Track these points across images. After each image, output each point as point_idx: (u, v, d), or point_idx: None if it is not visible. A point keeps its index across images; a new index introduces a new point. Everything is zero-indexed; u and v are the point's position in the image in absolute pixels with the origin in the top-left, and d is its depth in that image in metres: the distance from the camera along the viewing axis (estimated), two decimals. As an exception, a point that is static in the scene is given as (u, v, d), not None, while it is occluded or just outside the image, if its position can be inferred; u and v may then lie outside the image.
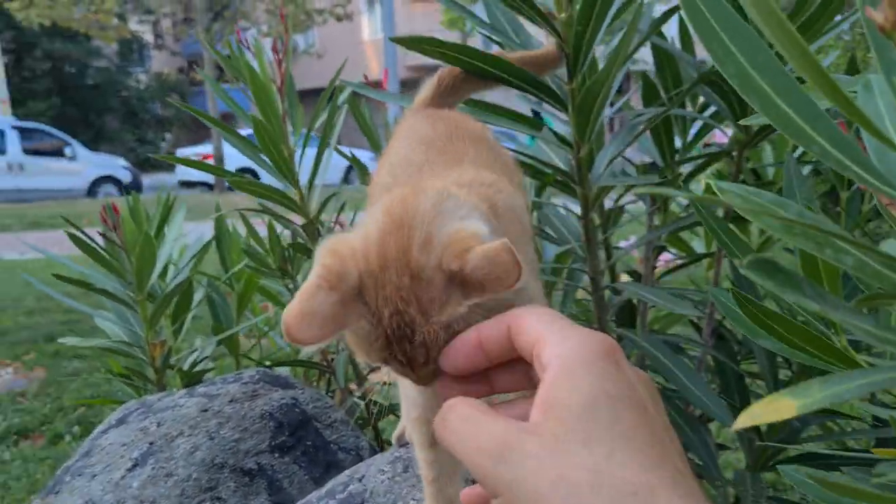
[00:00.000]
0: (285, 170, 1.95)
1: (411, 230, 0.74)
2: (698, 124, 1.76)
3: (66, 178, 19.58)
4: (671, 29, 1.75)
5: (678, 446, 0.59)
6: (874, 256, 0.58)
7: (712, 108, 1.70)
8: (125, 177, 20.61)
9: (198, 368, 2.13)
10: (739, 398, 1.72)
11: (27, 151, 19.22)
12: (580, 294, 1.94)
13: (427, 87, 1.39)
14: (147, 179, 22.79)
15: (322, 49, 25.63)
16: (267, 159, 1.96)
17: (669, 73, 1.70)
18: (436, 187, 0.81)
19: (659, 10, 1.62)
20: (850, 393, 0.53)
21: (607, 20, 1.35)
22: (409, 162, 1.10)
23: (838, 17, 1.33)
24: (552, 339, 0.61)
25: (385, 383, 1.12)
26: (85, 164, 20.09)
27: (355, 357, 0.85)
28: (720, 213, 1.67)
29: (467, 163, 1.04)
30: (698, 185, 2.19)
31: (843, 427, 1.75)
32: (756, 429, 1.68)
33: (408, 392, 1.04)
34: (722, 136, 2.14)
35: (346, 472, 1.26)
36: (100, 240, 1.89)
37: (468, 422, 0.61)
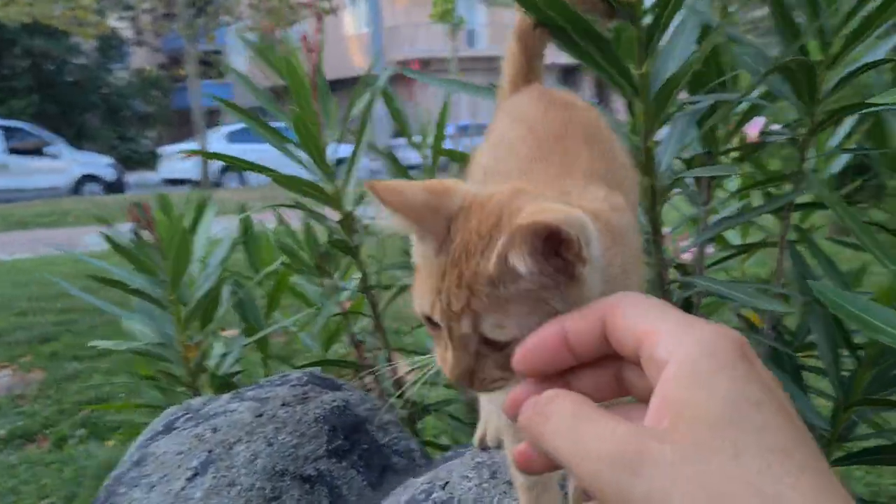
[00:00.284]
0: (321, 164, 1.89)
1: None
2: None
3: (51, 176, 19.31)
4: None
5: (817, 448, 0.52)
6: None
7: (755, 94, 1.65)
8: (109, 175, 20.37)
9: (231, 370, 2.07)
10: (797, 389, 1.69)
11: (10, 151, 18.94)
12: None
13: (511, 53, 1.34)
14: (131, 177, 22.56)
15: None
16: (303, 154, 1.90)
17: (713, 59, 1.66)
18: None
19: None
20: None
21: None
22: (513, 151, 1.05)
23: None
24: (668, 332, 0.53)
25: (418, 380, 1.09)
26: (69, 163, 19.83)
27: (413, 301, 0.85)
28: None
29: (578, 172, 0.98)
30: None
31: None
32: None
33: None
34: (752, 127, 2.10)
35: (423, 478, 1.21)
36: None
37: (580, 421, 0.53)
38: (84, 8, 20.35)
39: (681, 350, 0.51)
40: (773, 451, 0.48)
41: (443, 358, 0.84)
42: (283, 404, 1.51)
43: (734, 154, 1.82)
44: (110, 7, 27.47)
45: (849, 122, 1.91)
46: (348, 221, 1.95)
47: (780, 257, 1.67)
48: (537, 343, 0.61)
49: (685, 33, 1.56)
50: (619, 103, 1.69)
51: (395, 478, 1.50)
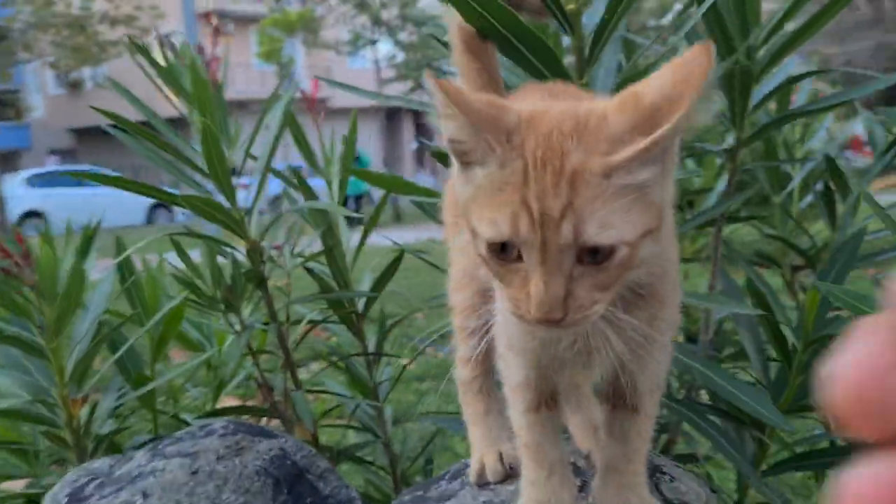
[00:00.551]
0: (227, 187, 1.70)
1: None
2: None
3: None
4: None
5: None
6: None
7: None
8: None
9: (112, 429, 1.79)
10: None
11: None
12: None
13: (470, 69, 1.27)
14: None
15: (107, 82, 24.11)
16: (205, 180, 1.71)
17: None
18: None
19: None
20: None
21: None
22: None
23: None
24: None
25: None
26: None
27: (476, 241, 0.78)
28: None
29: None
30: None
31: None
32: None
33: (507, 355, 0.98)
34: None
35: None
36: None
37: None
38: None
39: None
40: None
41: (522, 297, 0.75)
42: (219, 458, 1.31)
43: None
44: None
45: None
46: (256, 253, 1.77)
47: (715, 269, 1.69)
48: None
49: (614, 47, 1.56)
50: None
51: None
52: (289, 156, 2.22)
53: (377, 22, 22.77)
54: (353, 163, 1.93)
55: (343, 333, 2.03)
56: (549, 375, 0.97)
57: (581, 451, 1.22)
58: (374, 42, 23.25)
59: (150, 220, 21.21)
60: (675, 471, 1.26)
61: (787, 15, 1.49)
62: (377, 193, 9.44)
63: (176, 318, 1.87)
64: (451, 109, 0.76)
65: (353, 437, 2.08)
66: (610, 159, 0.71)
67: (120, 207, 16.40)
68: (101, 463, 1.38)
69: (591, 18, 1.42)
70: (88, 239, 1.66)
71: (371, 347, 1.97)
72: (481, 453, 1.20)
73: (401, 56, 25.47)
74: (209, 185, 1.81)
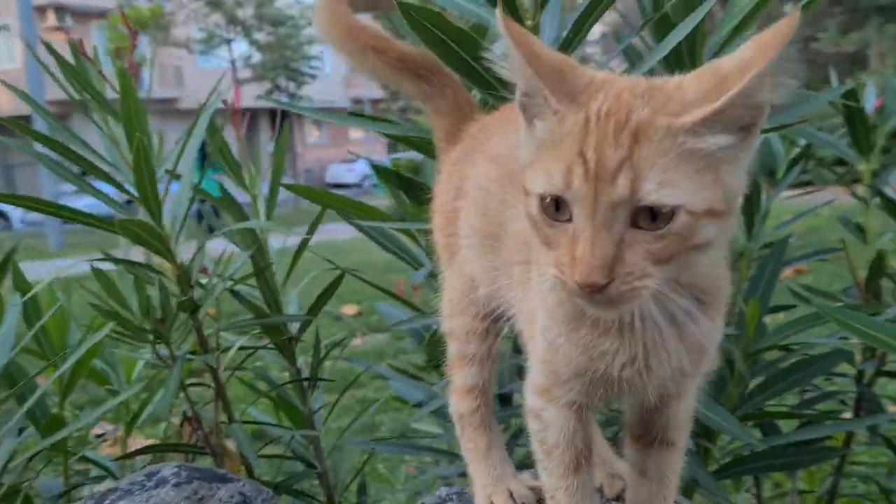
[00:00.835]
0: (156, 208, 1.57)
1: None
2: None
3: None
4: None
5: None
6: None
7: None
8: None
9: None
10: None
11: None
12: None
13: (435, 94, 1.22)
14: None
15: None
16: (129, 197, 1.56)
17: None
18: None
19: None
20: None
21: None
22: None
23: None
24: None
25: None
26: None
27: (529, 198, 0.75)
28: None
29: None
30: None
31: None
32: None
33: (545, 414, 0.94)
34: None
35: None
36: None
37: None
38: None
39: None
40: None
41: (568, 260, 0.70)
42: (182, 511, 1.18)
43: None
44: None
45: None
46: (186, 278, 1.63)
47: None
48: None
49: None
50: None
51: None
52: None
53: (232, 21, 22.09)
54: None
55: (274, 359, 1.92)
56: (590, 420, 0.93)
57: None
58: (229, 41, 22.53)
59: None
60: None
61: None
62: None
63: (90, 353, 1.70)
64: (521, 59, 0.74)
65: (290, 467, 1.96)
66: (678, 119, 0.69)
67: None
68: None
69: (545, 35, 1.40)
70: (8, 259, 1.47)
71: (305, 372, 1.87)
72: (489, 493, 1.13)
73: (257, 56, 24.85)
74: (110, 190, 1.66)
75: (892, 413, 1.94)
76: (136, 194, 1.53)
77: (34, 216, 17.49)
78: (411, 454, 2.53)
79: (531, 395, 0.95)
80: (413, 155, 1.92)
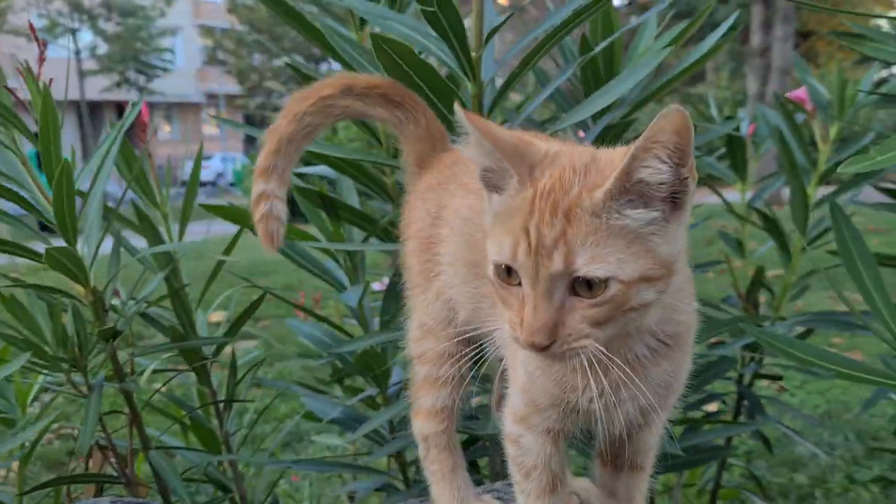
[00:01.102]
0: (73, 232, 1.50)
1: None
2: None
3: None
4: None
5: None
6: None
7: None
8: None
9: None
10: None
11: None
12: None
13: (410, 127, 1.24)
14: None
15: None
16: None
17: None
18: None
19: None
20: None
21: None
22: None
23: None
24: None
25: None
26: None
27: (487, 264, 0.84)
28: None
29: None
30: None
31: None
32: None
33: (523, 440, 1.00)
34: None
35: None
36: None
37: None
38: None
39: None
40: None
41: (516, 319, 0.80)
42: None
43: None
44: None
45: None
46: (99, 303, 1.57)
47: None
48: None
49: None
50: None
51: None
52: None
53: (77, 8, 20.80)
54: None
55: (187, 381, 1.88)
56: (563, 447, 1.00)
57: None
58: (73, 31, 21.19)
59: None
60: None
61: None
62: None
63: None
64: (484, 142, 0.81)
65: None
66: (593, 194, 0.77)
67: None
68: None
69: (487, 67, 1.46)
70: None
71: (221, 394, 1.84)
72: None
73: (104, 47, 23.52)
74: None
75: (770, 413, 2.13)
76: (50, 218, 1.47)
77: None
78: (328, 472, 2.53)
79: (510, 422, 1.01)
80: (322, 170, 1.93)
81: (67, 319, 1.54)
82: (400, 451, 1.87)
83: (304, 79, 1.73)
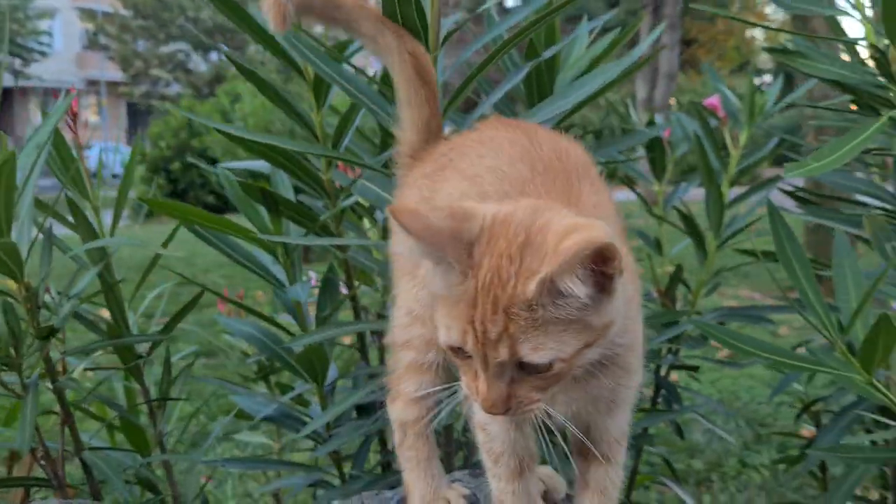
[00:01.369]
0: (7, 224, 1.45)
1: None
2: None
3: None
4: None
5: None
6: None
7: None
8: None
9: None
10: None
11: None
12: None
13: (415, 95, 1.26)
14: None
15: None
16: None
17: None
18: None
19: None
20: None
21: None
22: (504, 175, 1.05)
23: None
24: None
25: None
26: None
27: (438, 335, 0.87)
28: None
29: (581, 202, 1.01)
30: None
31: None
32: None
33: (490, 427, 1.07)
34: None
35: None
36: None
37: None
38: None
39: None
40: None
41: (472, 387, 0.87)
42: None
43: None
44: None
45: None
46: (32, 297, 1.52)
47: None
48: None
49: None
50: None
51: None
52: None
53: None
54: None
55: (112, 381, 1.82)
56: (530, 433, 1.05)
57: None
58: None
59: None
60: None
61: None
62: None
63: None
64: (411, 236, 0.84)
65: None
66: (527, 289, 0.80)
67: None
68: None
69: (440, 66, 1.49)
70: None
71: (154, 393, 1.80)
72: (427, 501, 1.20)
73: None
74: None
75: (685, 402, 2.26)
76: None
77: None
78: (262, 469, 2.49)
79: (479, 412, 1.04)
80: (258, 165, 1.91)
81: (-2, 317, 1.47)
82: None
83: (246, 73, 1.72)
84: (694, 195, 2.29)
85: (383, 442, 1.94)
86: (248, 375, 2.35)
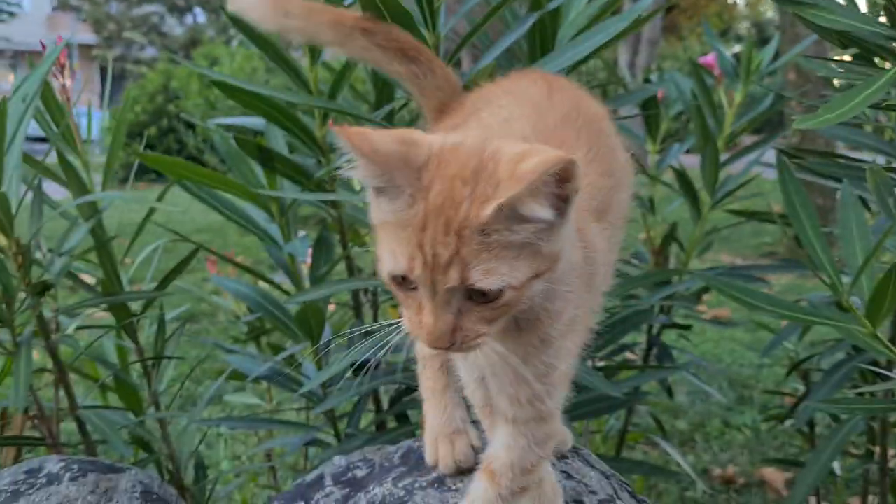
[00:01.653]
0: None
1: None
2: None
3: None
4: None
5: None
6: None
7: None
8: None
9: None
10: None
11: None
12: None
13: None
14: None
15: None
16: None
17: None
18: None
19: None
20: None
21: None
22: (509, 127, 1.03)
23: None
24: None
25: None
26: None
27: (381, 266, 0.85)
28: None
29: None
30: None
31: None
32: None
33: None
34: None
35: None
36: None
37: None
38: None
39: None
40: None
41: (416, 322, 0.83)
42: (93, 508, 1.11)
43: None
44: None
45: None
46: (25, 254, 1.49)
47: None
48: None
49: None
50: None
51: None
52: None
53: None
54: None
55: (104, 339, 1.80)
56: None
57: None
58: None
59: None
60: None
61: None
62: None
63: None
64: (368, 162, 0.80)
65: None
66: (481, 214, 0.77)
67: None
68: None
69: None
70: None
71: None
72: (436, 435, 1.21)
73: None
74: None
75: (676, 360, 2.27)
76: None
77: None
78: (256, 428, 2.48)
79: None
80: (252, 122, 1.88)
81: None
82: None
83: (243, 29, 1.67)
84: (686, 162, 2.29)
85: (377, 401, 1.94)
86: (238, 337, 2.33)
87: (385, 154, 0.79)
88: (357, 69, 1.78)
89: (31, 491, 1.15)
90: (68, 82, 1.75)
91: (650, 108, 2.24)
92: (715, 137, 2.12)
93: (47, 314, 1.57)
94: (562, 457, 1.24)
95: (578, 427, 2.61)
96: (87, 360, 1.75)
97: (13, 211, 1.44)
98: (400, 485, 1.17)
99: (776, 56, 2.23)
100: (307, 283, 1.87)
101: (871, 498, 2.16)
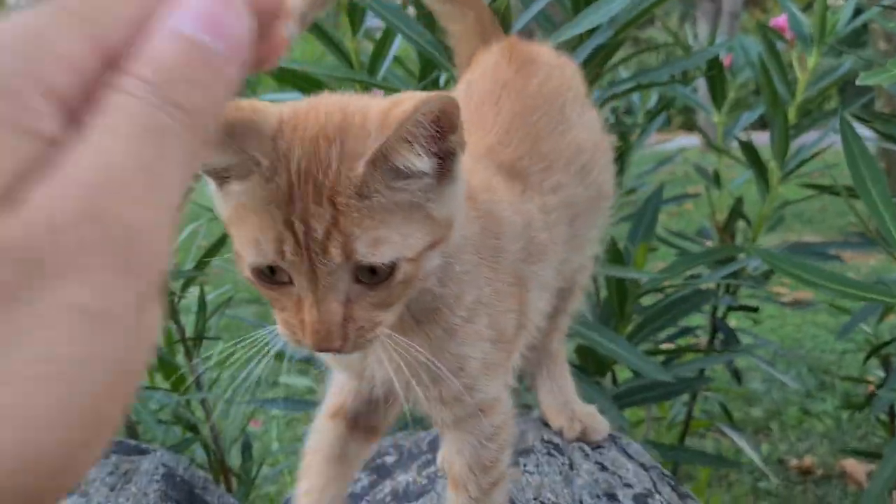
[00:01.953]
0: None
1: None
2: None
3: None
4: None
5: None
6: None
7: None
8: None
9: None
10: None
11: None
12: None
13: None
14: None
15: None
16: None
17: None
18: None
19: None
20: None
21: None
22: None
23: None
24: None
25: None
26: None
27: (242, 264, 0.68)
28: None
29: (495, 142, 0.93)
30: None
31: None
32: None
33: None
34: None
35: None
36: None
37: None
38: None
39: None
40: None
41: (296, 322, 0.67)
42: (112, 489, 1.09)
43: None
44: None
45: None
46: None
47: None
48: None
49: None
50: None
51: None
52: None
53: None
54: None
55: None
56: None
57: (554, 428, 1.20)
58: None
59: None
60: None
61: None
62: None
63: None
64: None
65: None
66: (354, 170, 0.64)
67: None
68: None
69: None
70: None
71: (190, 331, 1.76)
72: None
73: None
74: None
75: (745, 345, 2.14)
76: None
77: None
78: (303, 410, 2.46)
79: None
80: (291, 98, 1.83)
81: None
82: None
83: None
84: (756, 139, 2.14)
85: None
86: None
87: (229, 124, 0.63)
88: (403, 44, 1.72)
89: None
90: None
91: (715, 71, 2.10)
92: (785, 105, 1.97)
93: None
94: (596, 446, 1.15)
95: (639, 413, 2.51)
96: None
97: None
98: (423, 473, 1.11)
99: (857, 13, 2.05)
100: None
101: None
